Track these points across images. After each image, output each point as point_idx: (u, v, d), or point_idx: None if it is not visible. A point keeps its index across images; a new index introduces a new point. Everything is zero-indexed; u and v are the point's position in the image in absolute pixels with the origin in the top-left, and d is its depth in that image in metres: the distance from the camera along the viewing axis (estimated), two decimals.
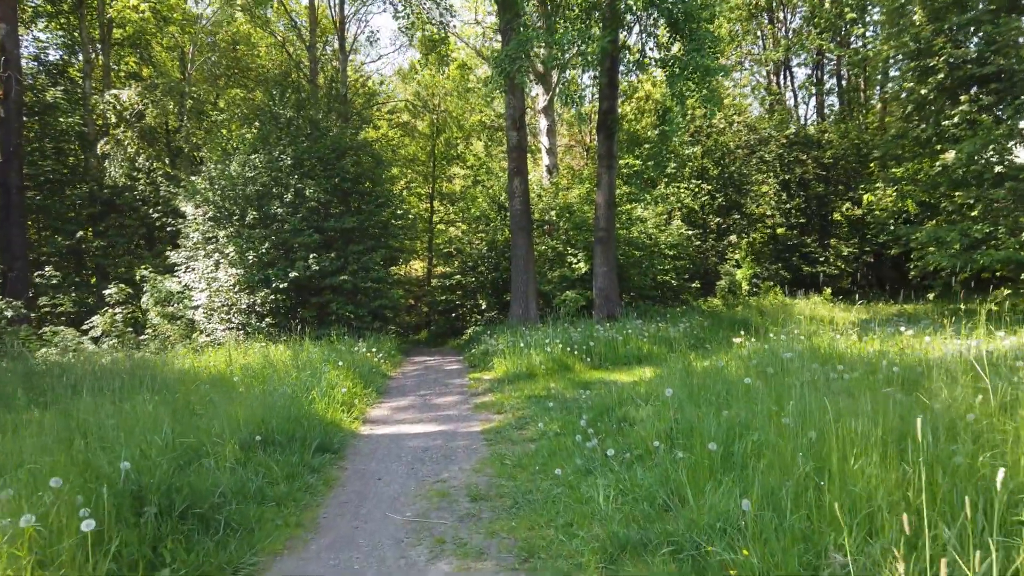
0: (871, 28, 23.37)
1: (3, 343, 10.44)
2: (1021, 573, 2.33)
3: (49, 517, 2.92)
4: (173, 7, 21.54)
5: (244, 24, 22.92)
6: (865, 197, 20.85)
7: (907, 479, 3.04)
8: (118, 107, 18.22)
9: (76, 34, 19.84)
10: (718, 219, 22.10)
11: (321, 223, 14.82)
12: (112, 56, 20.76)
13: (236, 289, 14.15)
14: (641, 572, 3.15)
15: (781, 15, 27.98)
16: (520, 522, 4.03)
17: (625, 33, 14.14)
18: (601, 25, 12.75)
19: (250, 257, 13.96)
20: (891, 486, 2.96)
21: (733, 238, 21.78)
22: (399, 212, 17.88)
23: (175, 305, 14.50)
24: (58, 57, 20.43)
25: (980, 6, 13.76)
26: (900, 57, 16.23)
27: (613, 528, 3.54)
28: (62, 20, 20.15)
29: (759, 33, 28.13)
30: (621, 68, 14.45)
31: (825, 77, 28.22)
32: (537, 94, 21.05)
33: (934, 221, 16.13)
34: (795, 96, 29.61)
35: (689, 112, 15.87)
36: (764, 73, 28.71)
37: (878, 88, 24.99)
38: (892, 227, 18.70)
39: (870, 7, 22.75)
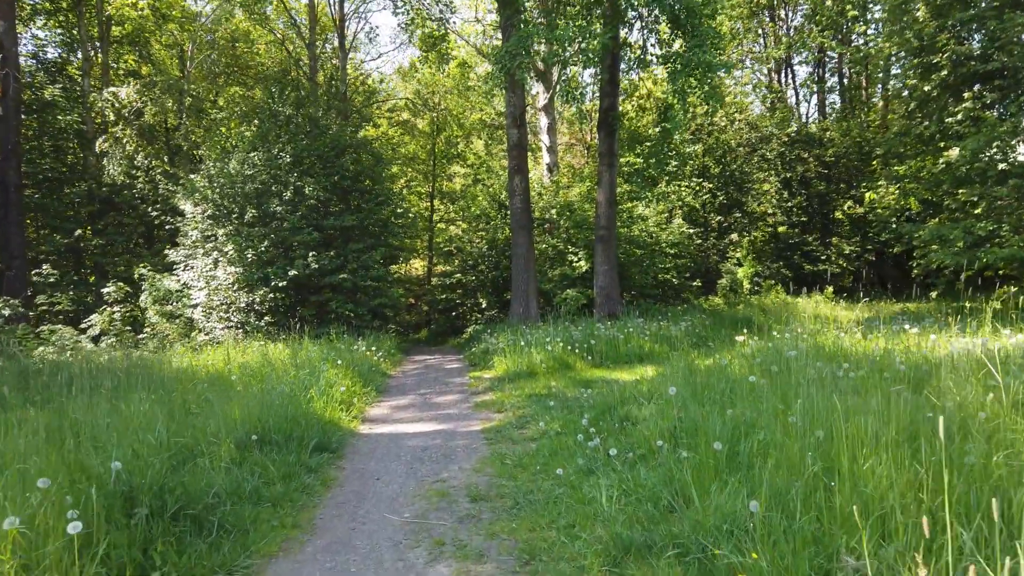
0: (873, 26, 23.25)
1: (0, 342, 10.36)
2: None
3: (36, 519, 2.84)
4: (172, 5, 21.48)
5: (243, 22, 22.83)
6: (867, 195, 20.75)
7: (919, 480, 2.95)
8: (117, 105, 18.13)
9: (75, 32, 19.76)
10: (719, 217, 22.01)
11: (320, 221, 14.73)
12: (111, 54, 20.67)
13: (235, 287, 14.07)
14: None
15: (782, 13, 27.88)
16: (521, 523, 3.94)
17: (626, 30, 14.05)
18: (602, 21, 12.66)
19: (249, 255, 13.88)
20: (903, 487, 2.87)
21: (734, 236, 21.69)
22: (399, 210, 17.79)
23: (174, 304, 14.43)
24: (57, 55, 20.36)
25: (983, 3, 13.66)
26: (903, 54, 16.13)
27: (616, 530, 3.45)
28: (60, 18, 20.07)
29: (760, 31, 28.03)
30: (622, 65, 14.37)
31: (827, 75, 28.12)
32: (538, 92, 20.96)
33: (937, 219, 16.03)
34: (796, 94, 29.54)
35: (691, 110, 15.77)
36: (765, 71, 28.61)
37: (880, 86, 24.90)
38: (894, 225, 18.59)
39: (872, 5, 22.62)
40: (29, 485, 3.10)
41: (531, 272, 14.56)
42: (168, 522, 3.50)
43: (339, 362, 9.10)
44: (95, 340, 12.64)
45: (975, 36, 14.52)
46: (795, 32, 26.89)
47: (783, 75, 29.01)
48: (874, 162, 20.17)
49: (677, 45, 12.47)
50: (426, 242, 26.38)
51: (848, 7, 22.78)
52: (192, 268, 14.64)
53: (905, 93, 16.38)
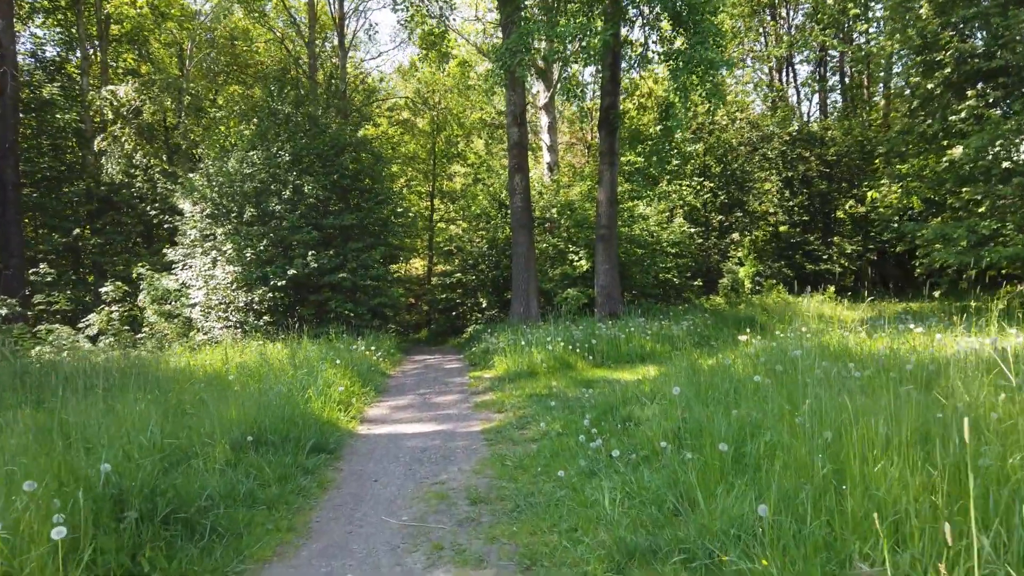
0: (875, 24, 23.14)
1: None
2: None
3: (20, 524, 2.74)
4: (171, 3, 21.40)
5: (243, 20, 22.75)
6: (869, 194, 20.63)
7: (932, 482, 2.85)
8: (115, 103, 18.05)
9: (73, 30, 19.68)
10: (720, 217, 21.91)
11: (320, 220, 14.64)
12: (110, 52, 20.60)
13: (234, 287, 13.97)
14: None
15: (784, 11, 27.78)
16: (522, 527, 3.84)
17: (627, 28, 13.96)
18: (603, 19, 12.57)
19: (248, 254, 13.79)
20: (917, 490, 2.78)
21: (736, 236, 21.59)
22: (399, 209, 17.70)
23: (172, 303, 14.34)
24: (55, 53, 20.28)
25: (987, 0, 13.56)
26: (905, 52, 16.03)
27: (620, 534, 3.36)
28: (59, 16, 19.99)
29: (761, 29, 27.92)
30: (623, 63, 14.28)
31: (828, 74, 28.03)
32: (538, 91, 20.88)
33: (940, 218, 15.92)
34: (798, 93, 29.44)
35: (692, 108, 15.70)
36: (766, 70, 28.52)
37: (882, 84, 24.79)
38: (896, 224, 18.48)
39: (873, 3, 22.51)
40: (15, 488, 3.01)
41: (532, 271, 14.48)
42: (158, 526, 3.41)
43: (338, 362, 9.01)
44: (93, 340, 12.55)
45: (979, 33, 14.42)
46: (796, 30, 26.80)
47: (784, 74, 28.91)
48: (876, 161, 20.05)
49: (679, 43, 12.37)
50: (426, 241, 26.28)
51: (850, 5, 22.68)
52: (191, 267, 14.55)
53: (907, 91, 16.27)
